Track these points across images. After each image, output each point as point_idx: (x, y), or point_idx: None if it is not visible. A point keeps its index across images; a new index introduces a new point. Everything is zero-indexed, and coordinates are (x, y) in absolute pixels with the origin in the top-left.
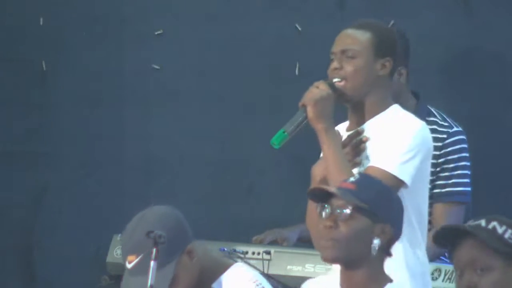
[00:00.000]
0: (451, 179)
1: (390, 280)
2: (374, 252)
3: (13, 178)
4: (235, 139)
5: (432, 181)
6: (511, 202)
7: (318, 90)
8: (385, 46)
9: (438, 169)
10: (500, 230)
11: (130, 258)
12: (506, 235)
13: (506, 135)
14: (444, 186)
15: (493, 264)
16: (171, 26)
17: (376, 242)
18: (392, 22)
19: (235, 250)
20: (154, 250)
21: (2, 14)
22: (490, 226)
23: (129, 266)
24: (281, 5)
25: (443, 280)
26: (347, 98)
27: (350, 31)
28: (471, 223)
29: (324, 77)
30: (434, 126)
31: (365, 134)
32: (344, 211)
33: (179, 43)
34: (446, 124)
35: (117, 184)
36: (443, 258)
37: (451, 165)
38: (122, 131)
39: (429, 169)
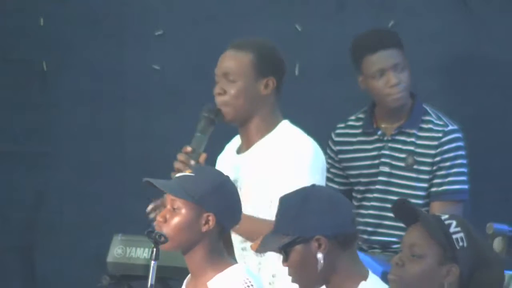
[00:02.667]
0: (447, 177)
1: (365, 277)
2: (320, 266)
3: (13, 178)
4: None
5: (429, 180)
6: (511, 202)
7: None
8: (267, 65)
9: (434, 167)
10: (452, 228)
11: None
12: (455, 236)
13: (506, 135)
14: (441, 184)
15: (428, 254)
16: (171, 26)
17: (320, 256)
18: (392, 22)
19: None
20: (154, 250)
21: (2, 14)
22: (446, 222)
23: None
24: (281, 5)
25: None
26: (229, 120)
27: (231, 53)
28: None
29: (324, 77)
30: (430, 125)
31: (253, 157)
32: (283, 254)
33: (179, 43)
34: (441, 123)
35: (117, 184)
36: None
37: (448, 164)
38: (122, 131)
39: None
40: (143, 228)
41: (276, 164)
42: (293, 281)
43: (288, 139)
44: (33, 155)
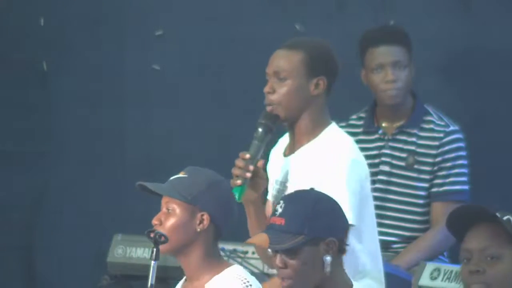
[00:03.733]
0: (448, 178)
1: (350, 286)
2: (328, 269)
3: (13, 178)
4: (235, 139)
5: (430, 180)
6: (511, 202)
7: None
8: (318, 65)
9: (435, 168)
10: None
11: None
12: None
13: (506, 135)
14: (442, 185)
15: (505, 253)
16: (171, 26)
17: (328, 259)
18: (392, 22)
19: (235, 250)
20: (154, 250)
21: (2, 14)
22: (505, 218)
23: None
24: (281, 5)
25: (442, 280)
26: (281, 120)
27: (282, 52)
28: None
29: None
30: (431, 126)
31: (298, 160)
32: (286, 254)
33: (179, 43)
34: (442, 123)
35: (117, 184)
36: (442, 257)
37: (449, 164)
38: (123, 131)
39: (369, 187)
40: (143, 228)
41: (316, 173)
42: (288, 285)
43: (329, 148)
44: (33, 155)
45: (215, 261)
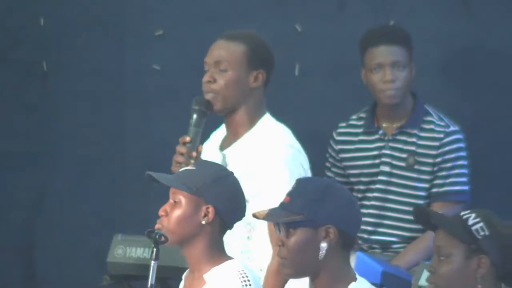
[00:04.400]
0: (449, 178)
1: (355, 278)
2: (322, 256)
3: (13, 178)
4: None
5: (430, 181)
6: (511, 202)
7: None
8: (258, 58)
9: (435, 168)
10: (471, 221)
11: None
12: (474, 227)
13: (506, 135)
14: (442, 185)
15: (453, 252)
16: (171, 26)
17: (324, 245)
18: (392, 22)
19: None
20: (154, 250)
21: (2, 14)
22: (464, 216)
23: None
24: (281, 5)
25: None
26: (218, 110)
27: (224, 43)
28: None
29: (324, 77)
30: (431, 126)
31: (235, 155)
32: (282, 229)
33: (179, 43)
34: (442, 123)
35: (117, 184)
36: None
37: (449, 165)
38: (123, 131)
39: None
40: (143, 228)
41: (253, 164)
42: (283, 263)
43: (265, 138)
44: (33, 155)
45: (217, 254)
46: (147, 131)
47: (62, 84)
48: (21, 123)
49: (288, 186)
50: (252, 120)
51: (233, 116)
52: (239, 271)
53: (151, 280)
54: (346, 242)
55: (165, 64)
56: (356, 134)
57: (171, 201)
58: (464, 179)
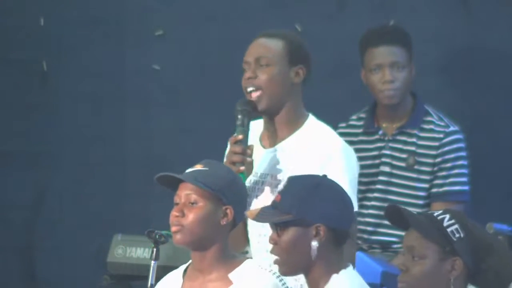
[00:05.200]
0: (448, 178)
1: (338, 270)
2: (314, 254)
3: (13, 178)
4: None
5: (430, 181)
6: (511, 202)
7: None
8: (298, 54)
9: (435, 168)
10: (446, 222)
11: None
12: (449, 229)
13: (506, 135)
14: (442, 185)
15: (427, 254)
16: (171, 26)
17: (314, 244)
18: (392, 22)
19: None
20: (154, 250)
21: (2, 14)
22: (439, 217)
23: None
24: (281, 5)
25: None
26: (263, 108)
27: (262, 40)
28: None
29: (324, 77)
30: (431, 126)
31: (283, 153)
32: (273, 229)
33: (179, 43)
34: (442, 124)
35: (117, 184)
36: None
37: (449, 165)
38: (123, 131)
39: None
40: (143, 228)
41: (308, 165)
42: (277, 261)
43: (319, 140)
44: (33, 155)
45: (231, 254)
46: (147, 131)
47: (62, 84)
48: (21, 123)
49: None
50: (298, 119)
51: (277, 114)
52: (266, 268)
53: (151, 280)
54: (338, 238)
55: (165, 64)
56: (356, 134)
57: (183, 201)
58: (464, 179)
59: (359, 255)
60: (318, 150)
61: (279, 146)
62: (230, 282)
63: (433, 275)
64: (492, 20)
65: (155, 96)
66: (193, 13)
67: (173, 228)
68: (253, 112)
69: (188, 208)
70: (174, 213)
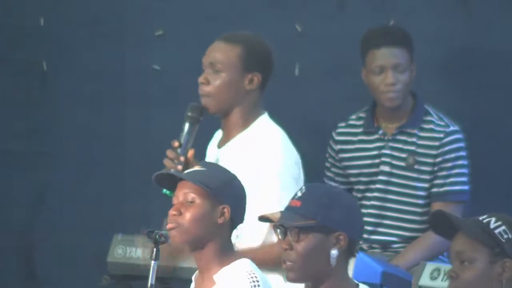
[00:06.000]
0: (448, 178)
1: (356, 286)
2: (333, 263)
3: (13, 178)
4: None
5: (430, 181)
6: (511, 201)
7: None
8: (253, 61)
9: (435, 168)
10: (493, 224)
11: None
12: (497, 230)
13: (506, 135)
14: (442, 185)
15: (477, 257)
16: (171, 26)
17: (334, 252)
18: (392, 22)
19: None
20: (154, 250)
21: (2, 14)
22: (485, 220)
23: None
24: (281, 5)
25: (442, 280)
26: (212, 112)
27: (220, 44)
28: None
29: (324, 77)
30: (431, 126)
31: (229, 152)
32: (293, 233)
33: (179, 43)
34: (442, 123)
35: (117, 184)
36: (442, 257)
37: (449, 164)
38: (123, 131)
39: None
40: (143, 228)
41: (246, 163)
42: (290, 267)
43: (259, 137)
44: (33, 155)
45: (226, 254)
46: (147, 131)
47: (62, 84)
48: (21, 123)
49: (278, 191)
50: (246, 121)
51: (227, 117)
52: (247, 271)
53: (151, 280)
54: (351, 249)
55: (165, 64)
56: (356, 134)
57: (181, 199)
58: (464, 178)
59: (359, 255)
60: (255, 149)
61: (227, 145)
62: (214, 283)
63: (485, 278)
64: (492, 20)
65: (155, 96)
66: (193, 13)
67: (169, 226)
68: (201, 118)
69: (185, 206)
70: (171, 211)
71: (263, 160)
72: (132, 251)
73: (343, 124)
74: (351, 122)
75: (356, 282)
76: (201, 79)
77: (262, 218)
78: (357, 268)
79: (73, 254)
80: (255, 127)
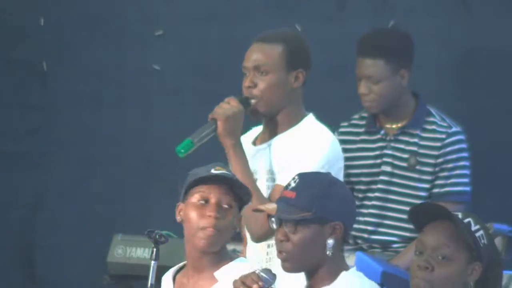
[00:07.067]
0: (450, 179)
1: (347, 268)
2: (329, 252)
3: (13, 178)
4: None
5: (431, 181)
6: (511, 202)
7: (230, 106)
8: (297, 58)
9: (437, 169)
10: (473, 227)
11: None
12: (477, 234)
13: (506, 135)
14: (443, 186)
15: (458, 257)
16: (171, 26)
17: (330, 242)
18: (392, 22)
19: (235, 250)
20: (154, 250)
21: (2, 14)
22: (465, 220)
23: None
24: (281, 5)
25: None
26: (262, 114)
27: (261, 45)
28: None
29: (324, 77)
30: (433, 127)
31: (275, 148)
32: (289, 225)
33: (179, 43)
34: (445, 124)
35: (117, 184)
36: None
37: (450, 165)
38: (123, 131)
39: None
40: (143, 228)
41: (290, 159)
42: (286, 258)
43: (310, 134)
44: (33, 155)
45: (224, 253)
46: (147, 131)
47: (62, 84)
48: (21, 123)
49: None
50: (293, 119)
51: (275, 116)
52: (251, 267)
53: (151, 280)
54: (346, 236)
55: (165, 64)
56: (358, 134)
57: (214, 201)
58: (465, 179)
59: (359, 255)
60: (305, 146)
61: (270, 142)
62: (216, 280)
63: (457, 278)
64: (492, 20)
65: (155, 96)
66: (193, 13)
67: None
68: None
69: (224, 211)
70: (209, 213)
71: (310, 160)
72: (132, 251)
73: (345, 124)
74: (353, 121)
75: (347, 265)
76: (247, 83)
77: (257, 210)
78: (357, 268)
79: (73, 254)
80: (304, 125)
